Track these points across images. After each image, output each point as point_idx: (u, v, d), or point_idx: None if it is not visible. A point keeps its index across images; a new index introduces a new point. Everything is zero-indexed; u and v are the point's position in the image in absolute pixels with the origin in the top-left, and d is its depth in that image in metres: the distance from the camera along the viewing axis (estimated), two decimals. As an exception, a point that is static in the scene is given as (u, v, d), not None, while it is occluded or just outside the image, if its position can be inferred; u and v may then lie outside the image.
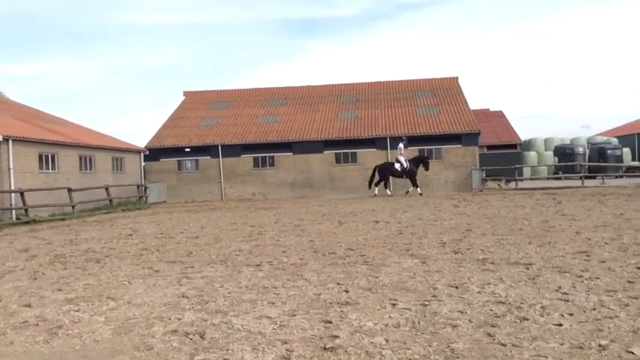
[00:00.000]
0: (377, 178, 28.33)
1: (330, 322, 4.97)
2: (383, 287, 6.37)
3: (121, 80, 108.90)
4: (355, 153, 32.89)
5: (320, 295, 6.11)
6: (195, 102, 39.35)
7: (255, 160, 33.56)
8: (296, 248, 10.03)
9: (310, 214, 18.12)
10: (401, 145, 28.46)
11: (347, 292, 6.19)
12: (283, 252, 9.62)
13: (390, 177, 29.01)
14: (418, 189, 27.97)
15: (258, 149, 33.40)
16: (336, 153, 33.02)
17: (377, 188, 28.05)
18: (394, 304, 5.52)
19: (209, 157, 33.60)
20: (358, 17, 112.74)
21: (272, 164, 33.47)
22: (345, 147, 32.93)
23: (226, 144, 33.30)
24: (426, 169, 28.88)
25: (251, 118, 36.15)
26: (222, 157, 33.32)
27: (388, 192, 28.63)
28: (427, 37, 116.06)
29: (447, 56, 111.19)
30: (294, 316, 5.26)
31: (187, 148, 33.61)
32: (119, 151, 31.62)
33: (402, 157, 28.11)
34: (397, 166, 28.10)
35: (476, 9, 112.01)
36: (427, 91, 37.65)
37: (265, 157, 33.51)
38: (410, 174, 28.31)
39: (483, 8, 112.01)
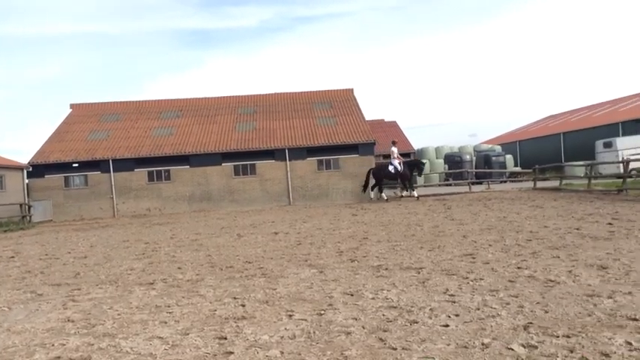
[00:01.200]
0: (372, 181, 27.95)
1: (225, 338, 4.87)
2: (280, 299, 6.34)
3: (4, 94, 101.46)
4: (254, 165, 32.77)
5: (215, 311, 5.98)
6: (83, 115, 37.43)
7: (150, 174, 32.45)
8: (192, 264, 9.77)
9: (208, 228, 17.77)
10: (394, 148, 27.76)
11: (243, 306, 6.10)
12: (179, 268, 9.34)
13: (384, 180, 28.41)
14: (414, 192, 27.05)
15: (153, 163, 32.33)
16: (234, 165, 32.71)
17: (382, 193, 27.67)
18: (290, 316, 5.51)
19: (99, 172, 32.05)
20: (256, 29, 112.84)
21: (168, 178, 32.53)
22: (243, 159, 32.71)
23: (118, 158, 31.95)
24: (419, 174, 28.94)
25: (145, 131, 34.95)
26: (114, 171, 31.92)
27: (384, 196, 27.72)
28: (323, 50, 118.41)
29: (342, 68, 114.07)
30: (188, 334, 5.11)
31: (75, 163, 31.84)
32: (-1, 168, 29.38)
33: (396, 160, 27.26)
34: (391, 168, 27.28)
35: (369, 24, 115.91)
36: (324, 103, 38.32)
37: (161, 170, 32.51)
38: (403, 177, 27.62)
39: (376, 23, 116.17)
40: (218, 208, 31.52)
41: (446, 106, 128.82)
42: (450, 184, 35.34)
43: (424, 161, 27.93)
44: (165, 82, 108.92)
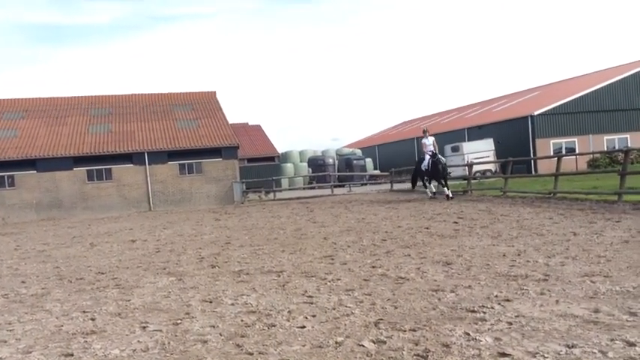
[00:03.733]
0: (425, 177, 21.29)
1: (72, 355, 4.55)
2: (134, 310, 6.07)
3: None
4: (110, 169, 31.12)
5: (62, 326, 5.57)
6: None
7: (-9, 180, 29.55)
8: (38, 277, 9.03)
9: (58, 238, 16.53)
10: (425, 140, 20.97)
11: (93, 319, 5.75)
12: (22, 282, 8.58)
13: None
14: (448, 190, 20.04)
15: (-5, 168, 29.49)
16: (88, 170, 30.83)
17: (428, 190, 21.29)
18: (144, 327, 5.29)
19: None
20: (109, 26, 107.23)
21: (12, 184, 29.84)
22: (98, 163, 30.92)
23: (-48, 162, 28.72)
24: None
25: (-16, 133, 31.76)
26: (-53, 177, 28.64)
27: (428, 192, 21.25)
28: (183, 51, 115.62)
29: (204, 71, 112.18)
30: (30, 352, 4.71)
31: None
32: None
33: (427, 155, 20.57)
34: (424, 164, 20.71)
35: (229, 26, 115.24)
36: (185, 105, 37.42)
37: (3, 176, 29.74)
38: (434, 174, 20.64)
39: (237, 25, 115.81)
40: (70, 216, 29.45)
41: (309, 110, 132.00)
42: (314, 187, 36.20)
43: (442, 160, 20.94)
44: (8, 80, 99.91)
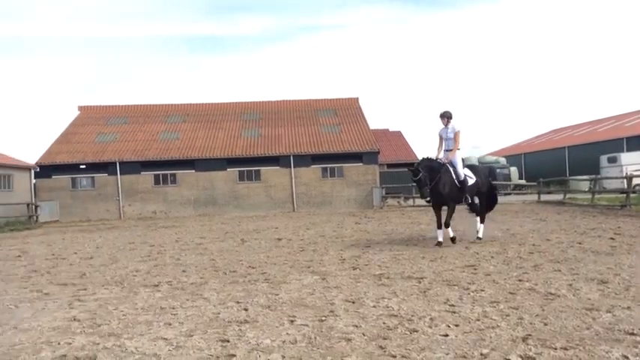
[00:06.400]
0: None
1: (228, 341, 4.96)
2: (282, 304, 6.43)
3: (10, 93, 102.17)
4: (259, 171, 32.94)
5: (219, 314, 6.07)
6: (90, 117, 37.71)
7: (156, 177, 32.67)
8: (196, 267, 9.87)
9: (212, 232, 17.88)
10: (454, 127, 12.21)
11: (246, 310, 6.19)
12: (183, 271, 9.44)
13: None
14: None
15: (159, 166, 32.57)
16: (239, 171, 32.90)
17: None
18: (292, 321, 5.60)
19: (106, 175, 32.28)
20: (259, 37, 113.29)
21: (174, 182, 32.73)
22: (248, 165, 32.88)
23: (125, 161, 32.19)
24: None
25: (151, 135, 35.20)
26: (121, 174, 32.15)
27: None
28: (328, 59, 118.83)
29: (347, 77, 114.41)
30: (192, 336, 5.20)
31: (82, 164, 32.09)
32: (7, 168, 29.67)
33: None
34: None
35: (372, 33, 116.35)
36: (329, 111, 38.50)
37: (167, 174, 32.73)
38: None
39: (381, 33, 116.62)
40: (222, 212, 31.66)
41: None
42: (454, 195, 35.31)
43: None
44: (173, 86, 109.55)
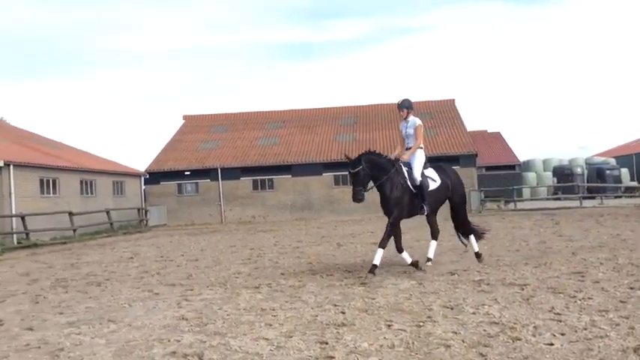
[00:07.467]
0: None
1: (326, 343, 5.06)
2: (379, 308, 6.46)
3: (120, 104, 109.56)
4: (354, 175, 33.04)
5: (317, 316, 6.20)
6: (194, 125, 39.68)
7: (255, 182, 33.77)
8: (294, 270, 10.12)
9: (309, 236, 18.21)
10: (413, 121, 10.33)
11: (343, 313, 6.28)
12: (282, 274, 9.70)
13: None
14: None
15: (258, 172, 33.64)
16: (335, 175, 33.22)
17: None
18: (389, 325, 5.61)
19: (209, 180, 33.80)
20: (353, 41, 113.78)
21: (271, 187, 33.67)
22: (343, 169, 33.01)
23: (226, 167, 33.54)
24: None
25: (250, 141, 36.44)
26: (222, 179, 33.53)
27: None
28: (423, 61, 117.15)
29: (443, 79, 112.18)
30: (291, 337, 5.35)
31: (187, 171, 33.83)
32: (119, 175, 31.85)
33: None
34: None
35: (469, 33, 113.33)
36: (425, 113, 37.87)
37: (265, 179, 33.73)
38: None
39: (476, 32, 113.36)
40: (318, 217, 32.10)
41: (553, 117, 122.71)
42: (559, 198, 33.73)
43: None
44: (270, 94, 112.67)
